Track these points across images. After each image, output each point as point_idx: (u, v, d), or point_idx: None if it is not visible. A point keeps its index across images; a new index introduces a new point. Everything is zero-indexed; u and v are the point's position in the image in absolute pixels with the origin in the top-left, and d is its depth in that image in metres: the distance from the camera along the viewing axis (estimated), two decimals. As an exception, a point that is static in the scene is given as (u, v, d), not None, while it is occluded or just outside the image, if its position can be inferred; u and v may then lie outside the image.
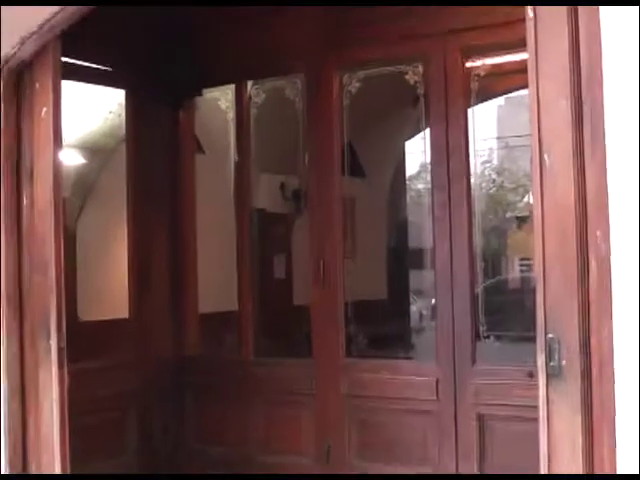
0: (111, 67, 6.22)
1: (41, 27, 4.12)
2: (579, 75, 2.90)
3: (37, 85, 4.38)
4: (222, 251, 6.80)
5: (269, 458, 6.09)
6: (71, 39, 4.35)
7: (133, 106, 6.46)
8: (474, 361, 5.40)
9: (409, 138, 10.27)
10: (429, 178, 5.88)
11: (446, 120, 5.50)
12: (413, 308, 10.90)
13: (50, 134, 4.31)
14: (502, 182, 24.22)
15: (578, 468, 2.85)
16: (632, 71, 2.69)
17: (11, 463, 4.35)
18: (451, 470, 5.39)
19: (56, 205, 4.30)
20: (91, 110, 7.24)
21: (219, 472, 6.13)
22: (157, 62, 6.38)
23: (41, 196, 4.35)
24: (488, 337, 5.79)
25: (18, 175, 4.45)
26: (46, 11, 4.02)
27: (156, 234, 6.52)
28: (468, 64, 5.54)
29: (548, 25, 2.95)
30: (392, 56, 5.83)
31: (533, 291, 3.01)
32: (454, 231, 5.46)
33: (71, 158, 7.35)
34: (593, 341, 2.86)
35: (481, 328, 5.65)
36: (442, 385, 5.44)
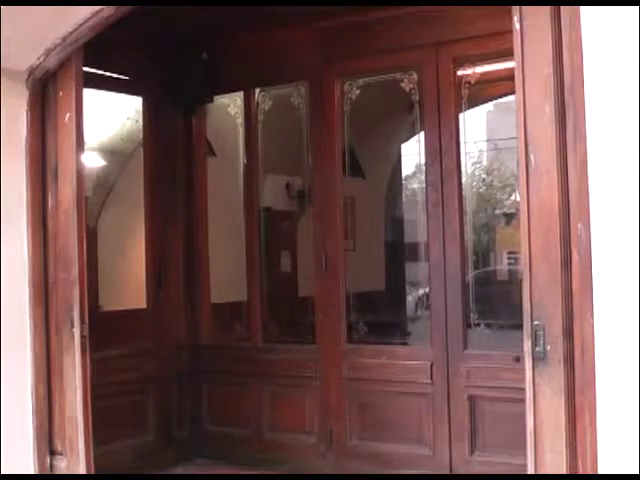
0: (129, 76, 6.23)
1: (64, 39, 4.13)
2: (562, 81, 2.91)
3: (61, 93, 4.38)
4: (232, 246, 6.79)
5: (277, 436, 6.10)
6: (93, 50, 4.36)
7: (149, 112, 6.47)
8: (465, 347, 5.41)
9: (405, 141, 10.23)
10: (424, 178, 5.86)
11: (439, 124, 5.50)
12: (409, 298, 10.85)
13: (73, 138, 4.31)
14: (491, 181, 24.13)
15: (561, 444, 2.86)
16: (612, 75, 2.69)
17: (38, 442, 4.37)
18: (445, 448, 5.40)
19: (79, 204, 4.31)
20: (111, 116, 7.23)
21: (232, 449, 6.15)
22: (172, 71, 6.38)
23: (65, 196, 4.36)
24: (478, 325, 5.78)
25: (44, 177, 4.46)
26: (69, 24, 4.02)
27: (171, 231, 6.53)
28: (459, 72, 5.54)
29: (533, 35, 2.95)
30: (389, 65, 5.82)
31: (520, 282, 3.01)
32: (446, 227, 5.46)
33: (92, 160, 7.34)
34: (576, 327, 2.87)
35: (472, 316, 5.65)
36: (436, 369, 5.45)
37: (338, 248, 5.92)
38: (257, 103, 6.49)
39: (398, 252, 10.57)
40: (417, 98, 5.74)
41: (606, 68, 2.70)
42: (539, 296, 2.92)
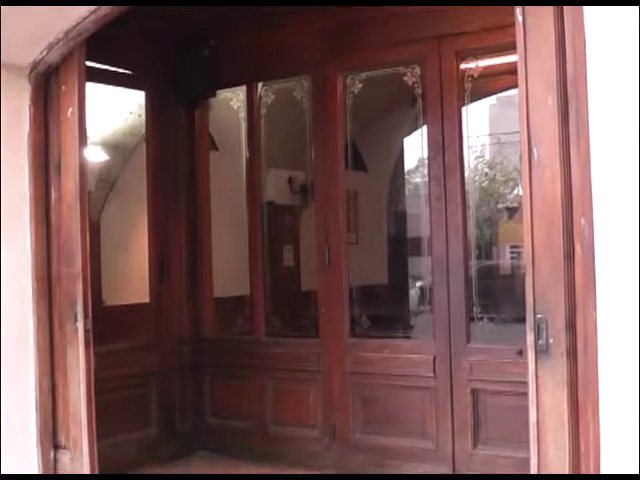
0: (132, 71, 6.23)
1: (67, 34, 4.13)
2: (565, 74, 2.90)
3: (63, 88, 4.38)
4: (235, 240, 6.80)
5: (280, 430, 6.11)
6: (95, 44, 4.35)
7: (152, 107, 6.47)
8: (468, 340, 5.40)
9: (408, 135, 10.21)
10: (426, 172, 5.86)
11: (442, 118, 5.49)
12: (412, 292, 10.84)
13: (76, 133, 4.32)
14: (494, 175, 24.12)
15: (564, 437, 2.87)
16: (614, 69, 2.69)
17: (42, 436, 4.38)
18: (448, 441, 5.40)
19: (82, 199, 4.31)
20: (113, 110, 7.24)
21: (235, 442, 6.16)
22: (174, 66, 6.37)
23: (68, 190, 4.37)
24: (481, 318, 5.78)
25: (47, 171, 4.47)
26: (72, 19, 4.02)
27: (174, 225, 6.53)
28: (462, 66, 5.52)
29: (536, 28, 2.95)
30: (391, 59, 5.81)
31: (523, 276, 3.01)
32: (449, 221, 5.45)
33: (95, 155, 7.34)
34: (578, 320, 2.87)
35: (475, 310, 5.64)
36: (439, 362, 5.45)
37: (341, 242, 5.92)
38: (260, 97, 6.49)
39: (401, 246, 10.57)
40: (420, 92, 5.74)
41: (609, 61, 2.69)
42: (542, 290, 2.92)
